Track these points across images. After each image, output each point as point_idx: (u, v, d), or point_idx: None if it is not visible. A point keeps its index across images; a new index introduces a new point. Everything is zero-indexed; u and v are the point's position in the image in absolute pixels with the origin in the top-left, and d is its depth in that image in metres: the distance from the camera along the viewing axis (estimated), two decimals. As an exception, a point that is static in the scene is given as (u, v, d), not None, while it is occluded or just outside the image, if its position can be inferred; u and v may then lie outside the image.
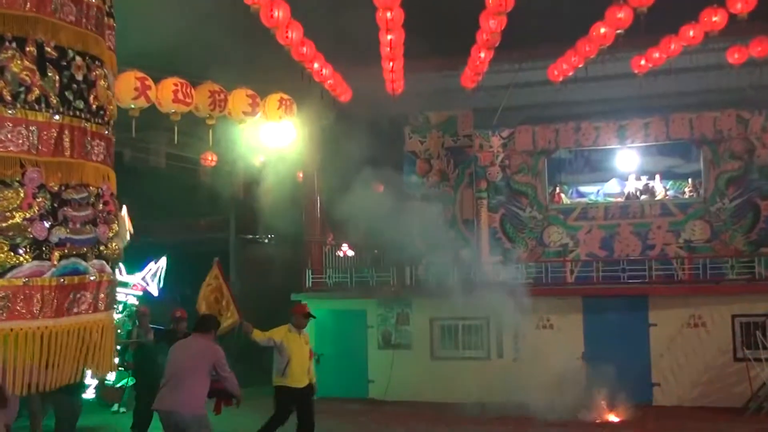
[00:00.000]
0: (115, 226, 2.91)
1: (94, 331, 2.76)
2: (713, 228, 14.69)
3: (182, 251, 13.14)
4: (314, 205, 15.34)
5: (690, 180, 15.87)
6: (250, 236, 14.83)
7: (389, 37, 10.84)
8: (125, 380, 11.86)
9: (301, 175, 14.57)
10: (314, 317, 9.15)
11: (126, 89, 9.23)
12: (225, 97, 10.30)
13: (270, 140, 11.92)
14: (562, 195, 16.46)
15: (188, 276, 11.50)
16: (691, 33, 10.94)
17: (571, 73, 12.57)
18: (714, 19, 10.36)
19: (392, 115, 12.13)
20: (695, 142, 15.06)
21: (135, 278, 12.71)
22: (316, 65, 11.54)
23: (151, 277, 12.62)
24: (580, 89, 13.80)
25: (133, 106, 9.45)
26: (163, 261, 12.64)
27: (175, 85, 9.77)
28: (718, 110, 14.54)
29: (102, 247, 2.80)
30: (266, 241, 15.90)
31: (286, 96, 11.02)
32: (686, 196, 15.63)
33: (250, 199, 14.26)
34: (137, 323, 11.19)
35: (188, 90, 9.89)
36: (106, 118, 2.89)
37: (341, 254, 15.65)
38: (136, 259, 12.22)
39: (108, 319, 2.89)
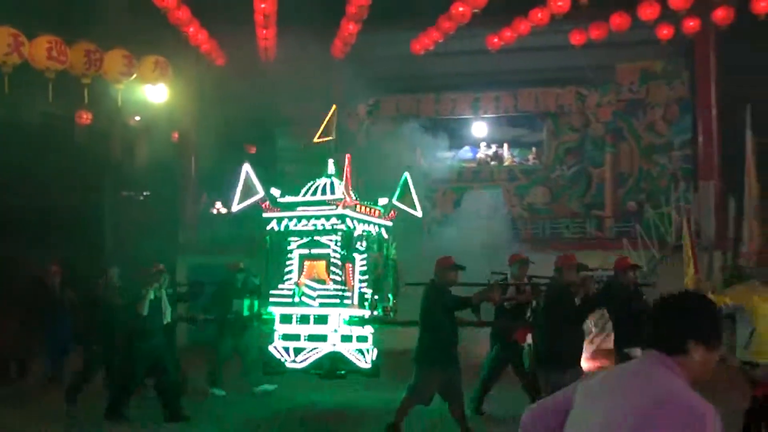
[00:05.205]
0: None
1: None
2: (552, 192, 17.08)
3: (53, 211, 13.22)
4: (189, 164, 16.15)
5: (534, 149, 18.09)
6: (125, 193, 15.34)
7: (262, 5, 11.84)
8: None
9: (176, 135, 15.24)
10: None
11: (-2, 45, 9.60)
12: (101, 56, 10.82)
13: (146, 100, 12.46)
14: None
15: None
16: (540, 15, 12.73)
17: (431, 48, 13.99)
18: (559, 3, 12.10)
19: (267, 80, 13.13)
20: (539, 115, 17.36)
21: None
22: (191, 29, 12.30)
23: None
24: (441, 62, 15.28)
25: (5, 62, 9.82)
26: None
27: (49, 42, 10.22)
28: (561, 87, 16.85)
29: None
30: (141, 198, 16.44)
31: (161, 58, 11.62)
32: (530, 163, 17.91)
33: (125, 159, 14.72)
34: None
35: (63, 48, 10.34)
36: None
37: (215, 211, 16.51)
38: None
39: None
